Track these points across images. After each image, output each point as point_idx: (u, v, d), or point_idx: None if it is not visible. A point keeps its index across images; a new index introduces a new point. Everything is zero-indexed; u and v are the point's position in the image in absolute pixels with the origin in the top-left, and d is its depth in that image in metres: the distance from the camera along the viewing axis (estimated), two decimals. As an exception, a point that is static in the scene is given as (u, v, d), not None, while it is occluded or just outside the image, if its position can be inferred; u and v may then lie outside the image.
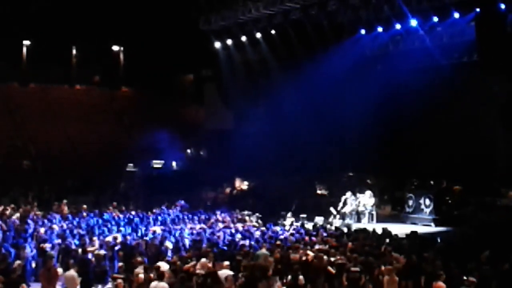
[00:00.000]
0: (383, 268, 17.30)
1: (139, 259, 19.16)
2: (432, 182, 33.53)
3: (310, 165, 37.37)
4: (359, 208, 32.93)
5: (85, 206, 33.15)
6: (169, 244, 22.06)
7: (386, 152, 36.76)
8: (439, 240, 23.57)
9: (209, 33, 40.86)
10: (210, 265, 18.48)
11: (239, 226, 28.55)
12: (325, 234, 24.85)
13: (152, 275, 16.58)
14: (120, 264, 18.99)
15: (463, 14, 31.90)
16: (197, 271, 17.65)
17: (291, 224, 30.33)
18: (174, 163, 44.77)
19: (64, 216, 30.33)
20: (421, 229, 28.94)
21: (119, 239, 22.74)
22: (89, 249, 21.22)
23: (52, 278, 17.06)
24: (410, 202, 32.66)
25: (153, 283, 15.91)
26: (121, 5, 43.95)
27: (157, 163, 43.70)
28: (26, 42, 47.64)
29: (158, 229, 26.76)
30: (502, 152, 33.40)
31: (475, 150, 33.57)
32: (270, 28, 38.18)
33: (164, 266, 17.69)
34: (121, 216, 31.23)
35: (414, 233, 24.96)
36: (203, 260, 18.69)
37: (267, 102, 41.47)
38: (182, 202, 35.88)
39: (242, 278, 17.03)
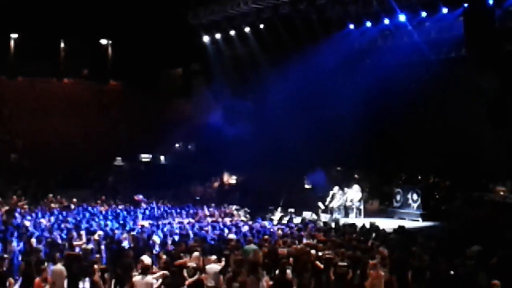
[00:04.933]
0: (369, 262, 17.32)
1: (130, 253, 19.18)
2: (419, 177, 33.68)
3: (299, 159, 37.36)
4: (346, 203, 32.99)
5: (75, 200, 33.12)
6: (156, 239, 22.03)
7: (374, 147, 36.80)
8: (426, 235, 23.61)
9: (197, 27, 40.82)
10: (203, 258, 18.50)
11: (227, 220, 28.58)
12: (313, 229, 24.87)
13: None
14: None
15: (451, 9, 32.02)
16: (188, 264, 17.64)
17: (280, 219, 30.37)
18: (162, 157, 44.75)
19: (52, 210, 30.27)
20: (408, 224, 29.05)
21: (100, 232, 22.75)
22: (77, 243, 21.18)
23: None
24: (398, 197, 32.79)
25: (138, 277, 15.87)
26: (110, -1, 43.88)
27: (145, 157, 43.64)
28: (14, 35, 47.36)
29: (146, 223, 26.77)
30: (489, 148, 33.45)
31: (463, 145, 33.66)
32: (259, 23, 38.16)
33: (147, 260, 17.65)
34: (109, 210, 31.23)
35: (401, 227, 25.03)
36: (195, 254, 18.67)
37: (256, 96, 41.47)
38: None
39: (230, 273, 17.04)
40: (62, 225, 24.97)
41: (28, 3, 43.23)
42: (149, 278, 15.74)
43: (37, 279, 16.29)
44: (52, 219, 27.38)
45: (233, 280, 16.60)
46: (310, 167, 36.83)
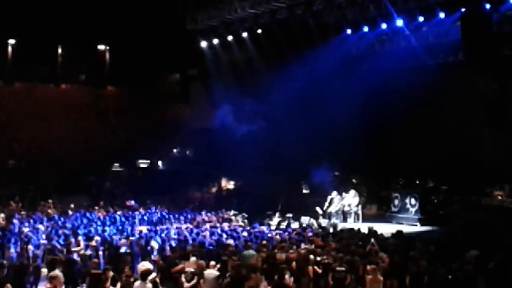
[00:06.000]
0: (368, 267, 17.33)
1: (128, 258, 19.19)
2: (417, 182, 33.67)
3: (296, 164, 37.38)
4: (344, 208, 32.97)
5: (72, 205, 33.11)
6: (154, 244, 22.01)
7: (372, 152, 36.84)
8: (424, 240, 23.61)
9: (195, 32, 40.79)
10: (200, 262, 18.50)
11: (225, 226, 28.56)
12: (311, 234, 24.86)
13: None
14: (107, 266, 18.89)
15: (448, 14, 32.00)
16: (187, 269, 17.67)
17: (278, 224, 30.34)
18: (160, 163, 44.74)
19: (50, 216, 30.23)
20: (406, 228, 29.04)
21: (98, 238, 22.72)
22: (75, 249, 21.14)
23: None
24: (396, 202, 32.75)
25: (136, 283, 15.85)
26: (107, 4, 43.79)
27: (143, 163, 43.62)
28: (11, 41, 47.38)
29: (144, 229, 26.75)
30: (487, 152, 33.52)
31: (461, 150, 33.71)
32: (256, 28, 38.16)
33: (148, 266, 17.64)
34: (107, 216, 31.21)
35: (399, 232, 25.02)
36: (193, 259, 18.71)
37: (253, 101, 41.48)
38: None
39: (228, 278, 17.04)
40: (60, 231, 24.93)
41: (26, 9, 43.23)
42: (149, 284, 15.72)
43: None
44: (50, 225, 27.34)
45: (231, 285, 16.61)
46: (314, 164, 36.73)
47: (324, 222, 31.24)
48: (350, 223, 31.66)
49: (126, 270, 17.27)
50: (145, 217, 31.25)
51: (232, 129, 40.77)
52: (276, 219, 31.65)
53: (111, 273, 17.30)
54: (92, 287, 17.41)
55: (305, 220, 31.01)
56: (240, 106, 41.91)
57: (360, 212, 33.15)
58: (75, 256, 20.06)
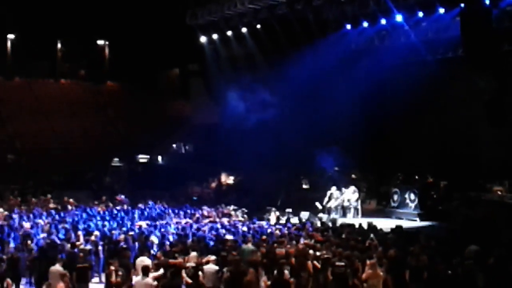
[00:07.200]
0: (367, 262, 17.33)
1: (128, 253, 19.22)
2: (417, 177, 33.70)
3: (296, 160, 37.39)
4: (344, 203, 33.00)
5: (71, 200, 33.11)
6: (154, 239, 22.02)
7: (372, 147, 36.85)
8: (425, 235, 23.63)
9: (195, 27, 40.77)
10: (200, 259, 18.54)
11: (225, 221, 28.58)
12: (310, 229, 24.88)
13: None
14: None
15: (448, 10, 32.00)
16: (187, 264, 17.70)
17: (277, 219, 30.35)
18: (159, 158, 44.73)
19: (49, 210, 30.24)
20: (406, 223, 29.08)
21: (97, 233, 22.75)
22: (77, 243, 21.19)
23: None
24: (396, 197, 32.82)
25: (137, 278, 15.86)
26: (107, -1, 43.89)
27: (143, 158, 43.60)
28: (11, 36, 47.34)
29: (143, 223, 26.77)
30: (487, 147, 33.54)
31: (460, 145, 33.76)
32: (255, 23, 38.13)
33: (147, 261, 17.67)
34: (107, 210, 31.23)
35: (399, 227, 25.05)
36: (193, 253, 18.75)
37: (253, 96, 41.46)
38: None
39: (227, 273, 17.06)
40: (60, 226, 24.94)
41: (25, 4, 43.19)
42: (149, 279, 15.74)
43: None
44: (50, 220, 27.35)
45: (231, 280, 16.64)
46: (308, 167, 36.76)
47: (323, 217, 31.24)
48: (350, 218, 31.71)
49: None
50: (145, 212, 31.26)
51: (231, 124, 40.76)
52: (275, 214, 31.60)
53: (112, 268, 17.33)
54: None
55: (304, 215, 31.02)
56: (239, 101, 41.89)
57: (359, 207, 33.21)
58: (75, 250, 20.10)
